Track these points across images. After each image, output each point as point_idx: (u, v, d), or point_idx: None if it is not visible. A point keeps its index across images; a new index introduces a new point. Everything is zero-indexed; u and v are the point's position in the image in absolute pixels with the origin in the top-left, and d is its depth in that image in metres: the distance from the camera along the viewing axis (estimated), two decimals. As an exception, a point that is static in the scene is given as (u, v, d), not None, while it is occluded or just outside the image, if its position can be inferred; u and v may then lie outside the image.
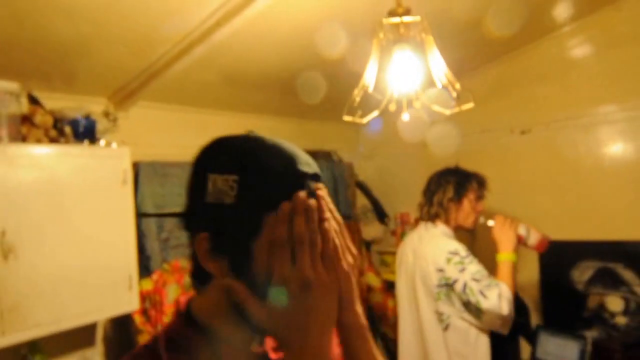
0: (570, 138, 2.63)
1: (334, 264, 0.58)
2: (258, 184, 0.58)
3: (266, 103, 2.79)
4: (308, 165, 0.65)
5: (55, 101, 2.01)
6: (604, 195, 2.51)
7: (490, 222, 2.06)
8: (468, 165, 3.03)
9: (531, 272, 2.74)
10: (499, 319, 1.83)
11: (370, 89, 1.35)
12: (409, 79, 1.34)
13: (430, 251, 1.94)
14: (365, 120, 1.43)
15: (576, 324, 2.51)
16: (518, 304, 2.76)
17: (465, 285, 1.82)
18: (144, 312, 2.07)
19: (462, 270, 1.84)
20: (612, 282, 2.44)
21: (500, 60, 2.88)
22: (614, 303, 2.43)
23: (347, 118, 1.46)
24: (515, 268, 1.97)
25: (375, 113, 1.40)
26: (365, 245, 3.35)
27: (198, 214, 0.62)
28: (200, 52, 1.85)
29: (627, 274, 2.40)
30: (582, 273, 2.55)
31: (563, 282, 2.60)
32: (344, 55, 2.05)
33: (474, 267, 1.85)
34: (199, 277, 0.64)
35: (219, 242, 0.59)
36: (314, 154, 3.11)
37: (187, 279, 2.20)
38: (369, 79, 1.37)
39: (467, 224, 2.07)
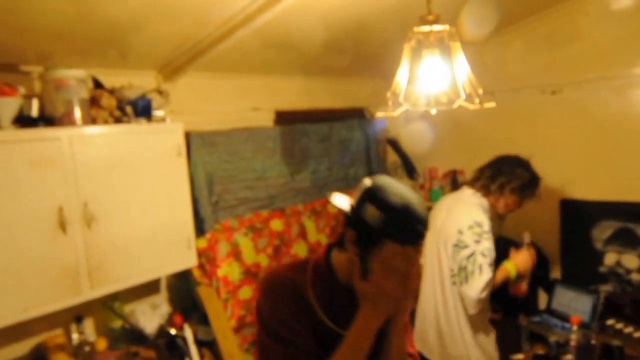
0: (600, 99, 2.72)
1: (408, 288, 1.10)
2: (392, 226, 1.06)
3: (301, 63, 2.92)
4: (424, 226, 1.10)
5: (110, 77, 2.23)
6: (629, 157, 2.64)
7: (527, 239, 2.29)
8: (498, 122, 3.18)
9: (552, 228, 2.95)
10: (475, 295, 2.04)
11: (402, 92, 1.52)
12: (436, 81, 1.50)
13: (460, 214, 2.13)
14: (395, 113, 1.60)
15: (593, 279, 2.76)
16: (539, 257, 3.02)
17: (472, 254, 2.04)
18: (201, 266, 2.40)
19: (477, 241, 2.05)
20: (630, 241, 2.64)
21: (533, 18, 2.91)
22: (630, 260, 2.65)
23: (380, 114, 1.63)
24: (508, 280, 2.20)
25: (404, 107, 1.57)
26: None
27: (355, 219, 1.09)
28: (243, 33, 2.01)
29: (645, 234, 2.59)
30: (602, 232, 2.76)
31: (583, 240, 2.81)
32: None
33: (487, 244, 2.06)
34: (341, 245, 1.14)
35: (359, 239, 1.08)
36: (346, 112, 3.29)
37: (236, 237, 2.51)
38: (400, 81, 1.53)
39: (503, 211, 2.25)
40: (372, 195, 1.08)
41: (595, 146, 2.78)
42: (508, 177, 2.18)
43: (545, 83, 2.94)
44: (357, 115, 3.37)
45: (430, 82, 1.55)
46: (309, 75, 3.14)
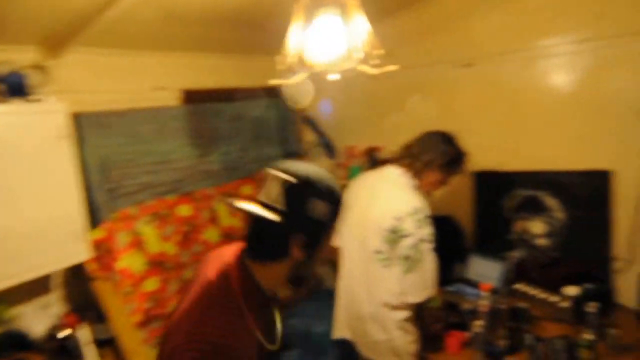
0: (511, 71, 2.79)
1: None
2: (336, 215, 1.09)
3: (208, 40, 2.77)
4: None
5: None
6: (536, 128, 2.74)
7: None
8: (415, 95, 3.21)
9: (467, 199, 3.04)
10: (421, 280, 2.05)
11: (294, 56, 1.44)
12: (333, 43, 1.44)
13: (396, 200, 2.07)
14: (291, 81, 1.53)
15: (503, 246, 2.86)
16: (454, 229, 3.11)
17: (416, 243, 2.00)
18: (98, 259, 2.23)
19: (419, 228, 2.00)
20: (537, 208, 2.76)
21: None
22: (536, 227, 2.77)
23: (273, 82, 1.55)
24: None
25: (303, 75, 1.50)
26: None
27: (301, 221, 1.04)
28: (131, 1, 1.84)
29: (550, 201, 2.71)
30: (512, 201, 2.86)
31: (495, 210, 2.91)
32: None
33: (429, 229, 2.04)
34: (273, 256, 1.08)
35: (308, 240, 1.05)
36: (259, 91, 3.19)
37: (137, 226, 2.35)
38: (292, 44, 1.46)
39: (430, 189, 2.22)
40: (315, 190, 1.04)
41: (505, 118, 2.86)
42: (434, 154, 2.16)
43: (458, 57, 2.99)
44: (272, 94, 3.27)
45: (326, 44, 1.47)
46: (217, 52, 3.00)
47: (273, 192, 1.03)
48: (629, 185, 2.39)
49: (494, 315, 2.19)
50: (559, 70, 2.64)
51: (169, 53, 2.73)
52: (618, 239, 2.48)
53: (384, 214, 2.05)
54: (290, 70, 1.57)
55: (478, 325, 2.05)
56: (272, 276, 1.09)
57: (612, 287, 2.45)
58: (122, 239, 2.29)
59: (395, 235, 2.03)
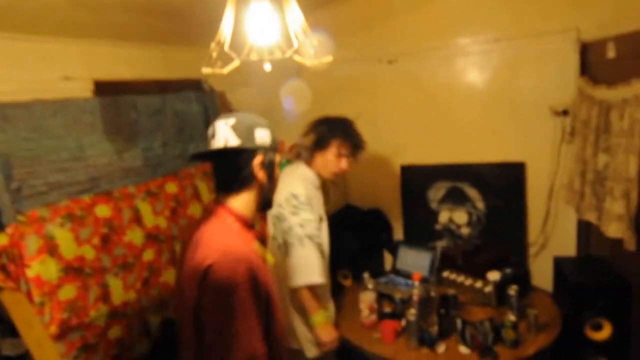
0: (430, 68, 2.92)
1: None
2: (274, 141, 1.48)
3: (124, 28, 2.59)
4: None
5: None
6: (456, 123, 2.89)
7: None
8: (342, 91, 3.25)
9: (394, 192, 3.13)
10: (296, 266, 2.09)
11: (227, 43, 1.39)
12: (266, 31, 1.40)
13: (282, 186, 2.11)
14: (225, 70, 1.47)
15: (430, 236, 2.99)
16: (384, 222, 3.19)
17: (290, 227, 2.10)
18: (2, 268, 1.99)
19: (294, 213, 2.10)
20: (460, 199, 2.91)
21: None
22: (460, 217, 2.92)
23: (205, 70, 1.48)
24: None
25: (236, 63, 1.45)
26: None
27: (253, 146, 1.39)
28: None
29: (472, 192, 2.87)
30: (436, 192, 2.99)
31: (420, 201, 3.03)
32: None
33: (305, 215, 2.11)
34: (243, 183, 1.40)
35: (264, 160, 1.40)
36: (181, 84, 3.05)
37: (49, 229, 2.14)
38: (225, 31, 1.40)
39: (325, 174, 2.28)
40: (256, 122, 1.44)
41: (427, 113, 2.98)
42: (307, 138, 2.26)
43: (382, 53, 3.06)
44: (194, 87, 3.14)
45: (259, 32, 1.43)
46: (134, 42, 2.81)
47: (222, 135, 1.36)
48: (541, 176, 2.59)
49: (425, 304, 2.27)
50: (475, 68, 2.80)
51: (79, 40, 2.51)
52: (532, 226, 2.69)
53: (275, 203, 2.12)
54: (221, 59, 1.51)
55: (412, 313, 2.12)
56: (247, 204, 1.41)
57: (528, 270, 2.65)
58: (31, 244, 2.06)
59: (278, 221, 2.15)
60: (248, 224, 1.42)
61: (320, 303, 2.17)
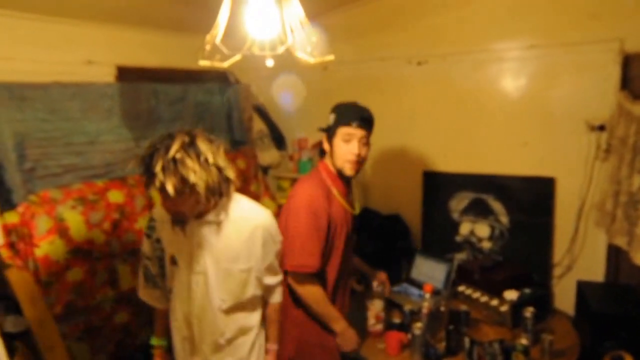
0: (462, 72, 2.84)
1: None
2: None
3: (150, 14, 2.63)
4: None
5: None
6: (485, 131, 2.80)
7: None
8: (365, 91, 3.20)
9: (415, 199, 3.06)
10: None
11: (219, 36, 1.37)
12: (265, 24, 1.37)
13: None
14: (226, 64, 1.46)
15: (449, 248, 2.91)
16: (402, 228, 3.13)
17: None
18: (11, 246, 2.06)
19: None
20: (483, 211, 2.82)
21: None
22: (482, 230, 2.83)
23: (203, 63, 1.47)
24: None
25: (237, 57, 1.43)
26: (263, 170, 3.48)
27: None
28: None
29: (496, 205, 2.78)
30: (459, 203, 2.91)
31: (441, 211, 2.95)
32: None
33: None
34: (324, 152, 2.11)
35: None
36: (206, 74, 3.07)
37: (60, 211, 2.20)
38: (222, 23, 1.38)
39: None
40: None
41: (455, 119, 2.90)
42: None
43: (411, 54, 3.00)
44: (219, 78, 3.16)
45: (259, 25, 1.40)
46: (160, 28, 2.85)
47: None
48: (571, 193, 2.48)
49: (434, 318, 2.21)
50: (508, 74, 2.70)
51: (104, 24, 2.57)
52: (558, 246, 2.58)
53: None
54: (217, 51, 1.50)
55: (418, 327, 2.06)
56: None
57: (550, 292, 2.54)
58: (41, 224, 2.12)
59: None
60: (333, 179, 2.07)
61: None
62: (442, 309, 2.25)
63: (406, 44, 3.01)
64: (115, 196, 2.45)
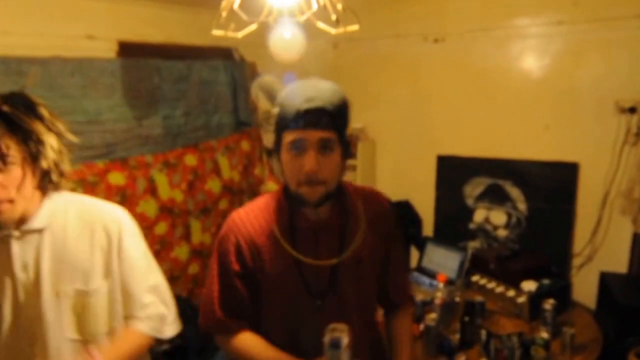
0: (481, 51, 2.72)
1: None
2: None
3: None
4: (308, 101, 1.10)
5: None
6: (505, 113, 2.70)
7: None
8: (378, 71, 3.10)
9: (428, 184, 2.98)
10: None
11: (237, 2, 1.28)
12: None
13: None
14: (240, 34, 1.37)
15: (463, 235, 2.83)
16: (413, 214, 3.05)
17: None
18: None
19: None
20: (499, 198, 2.73)
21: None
22: (498, 217, 2.75)
23: (217, 33, 1.39)
24: None
25: (253, 27, 1.34)
26: (267, 153, 3.40)
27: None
28: None
29: (514, 191, 2.69)
30: (474, 188, 2.82)
31: (455, 196, 2.87)
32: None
33: None
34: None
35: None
36: (210, 51, 2.98)
37: (58, 192, 2.13)
38: None
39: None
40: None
41: (472, 100, 2.80)
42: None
43: (427, 31, 2.89)
44: (224, 55, 3.07)
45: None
46: (164, 2, 2.75)
47: None
48: (596, 180, 2.38)
49: (448, 308, 2.14)
50: (532, 53, 2.59)
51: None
52: (579, 235, 2.49)
53: None
54: (232, 21, 1.41)
55: (431, 318, 2.00)
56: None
57: (570, 283, 2.46)
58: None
59: None
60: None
61: None
62: (457, 299, 2.18)
63: (422, 20, 2.89)
64: (116, 178, 2.38)
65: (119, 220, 1.22)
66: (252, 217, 1.24)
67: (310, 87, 1.12)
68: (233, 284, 1.22)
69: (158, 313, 1.28)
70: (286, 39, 1.57)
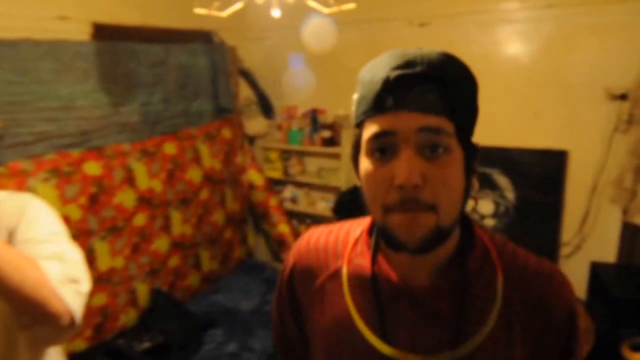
0: (468, 35, 2.68)
1: None
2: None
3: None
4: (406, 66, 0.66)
5: None
6: (492, 100, 2.64)
7: None
8: (363, 55, 3.03)
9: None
10: None
11: None
12: None
13: None
14: (224, 13, 1.30)
15: (450, 224, 2.82)
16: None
17: None
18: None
19: None
20: (487, 186, 2.72)
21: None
22: (485, 206, 2.74)
23: (199, 11, 1.31)
24: None
25: (238, 5, 1.27)
26: (249, 141, 3.32)
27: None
28: None
29: (502, 180, 2.68)
30: (462, 176, 2.80)
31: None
32: None
33: None
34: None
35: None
36: (190, 35, 2.87)
37: (31, 184, 2.03)
38: None
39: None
40: None
41: (459, 86, 2.76)
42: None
43: (412, 15, 2.83)
44: (203, 39, 2.96)
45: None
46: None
47: None
48: (585, 168, 2.38)
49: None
50: (520, 38, 2.56)
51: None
52: (568, 224, 2.49)
53: None
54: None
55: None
56: None
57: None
58: (9, 199, 1.96)
59: None
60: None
61: None
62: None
63: (407, 3, 2.84)
64: (92, 168, 2.28)
65: (21, 208, 1.02)
66: (322, 243, 0.85)
67: (409, 50, 0.68)
68: (283, 316, 0.91)
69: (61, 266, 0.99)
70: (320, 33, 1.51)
